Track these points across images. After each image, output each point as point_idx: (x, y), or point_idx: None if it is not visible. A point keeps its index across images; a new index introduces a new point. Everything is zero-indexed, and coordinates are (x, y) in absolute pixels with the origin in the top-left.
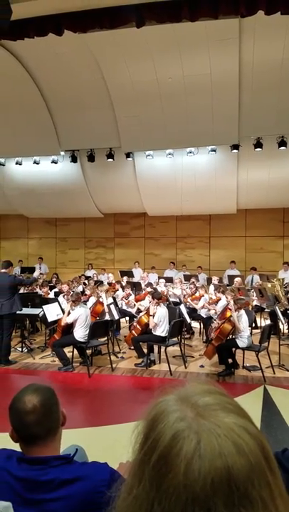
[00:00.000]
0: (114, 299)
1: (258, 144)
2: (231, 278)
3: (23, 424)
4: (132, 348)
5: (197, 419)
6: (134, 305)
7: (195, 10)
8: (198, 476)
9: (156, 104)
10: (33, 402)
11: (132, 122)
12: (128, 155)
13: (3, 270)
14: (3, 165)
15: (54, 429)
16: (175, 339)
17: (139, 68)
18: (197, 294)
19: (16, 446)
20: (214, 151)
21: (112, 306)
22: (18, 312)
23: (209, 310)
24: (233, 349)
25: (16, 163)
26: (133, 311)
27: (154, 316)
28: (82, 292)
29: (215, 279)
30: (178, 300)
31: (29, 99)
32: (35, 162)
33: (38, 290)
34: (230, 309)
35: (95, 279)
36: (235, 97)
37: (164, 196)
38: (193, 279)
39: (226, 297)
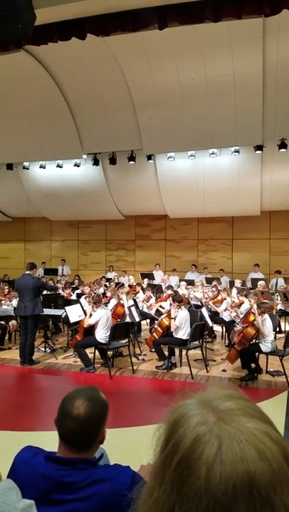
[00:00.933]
0: (134, 301)
1: (283, 145)
2: (255, 281)
3: (62, 424)
4: (153, 350)
5: (219, 423)
6: (154, 307)
7: (218, 10)
8: (220, 480)
9: (178, 106)
10: (80, 412)
11: (154, 124)
12: (149, 157)
13: (27, 272)
14: (28, 169)
15: (87, 444)
16: (196, 342)
17: (162, 70)
18: (219, 297)
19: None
20: (237, 152)
21: (133, 308)
22: (40, 313)
23: (232, 313)
24: (256, 354)
25: (40, 167)
26: (153, 312)
27: (175, 318)
28: (103, 294)
29: (238, 282)
30: (199, 303)
31: (53, 103)
32: (58, 166)
33: (60, 291)
34: (253, 313)
35: (116, 281)
36: (259, 97)
37: (185, 198)
38: (215, 282)
39: (249, 301)
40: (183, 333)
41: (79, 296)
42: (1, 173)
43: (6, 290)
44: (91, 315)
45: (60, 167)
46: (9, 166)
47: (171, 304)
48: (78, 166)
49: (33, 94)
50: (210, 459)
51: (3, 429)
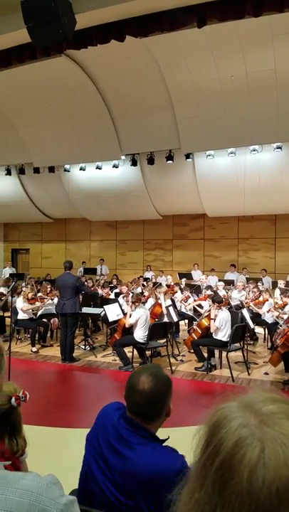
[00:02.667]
0: (172, 301)
1: None
2: None
3: (129, 397)
4: (192, 351)
5: (261, 426)
6: (193, 307)
7: (259, 5)
8: (263, 484)
9: (217, 103)
10: (145, 386)
11: (193, 122)
12: (188, 156)
13: (67, 271)
14: (68, 171)
15: (152, 417)
16: (237, 344)
17: (200, 68)
18: (261, 299)
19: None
20: (280, 148)
21: (171, 309)
22: (79, 312)
23: (274, 314)
24: None
25: (80, 169)
26: (191, 312)
27: (215, 319)
28: (141, 293)
29: (281, 283)
30: (240, 304)
31: (92, 106)
32: (97, 167)
33: (99, 290)
34: None
35: (154, 280)
36: None
37: (225, 196)
38: (258, 283)
39: None
40: (223, 334)
41: (117, 295)
42: (44, 176)
43: (49, 289)
44: (130, 315)
45: (100, 168)
46: (51, 169)
47: (210, 305)
48: (117, 167)
49: (73, 97)
50: (252, 462)
51: (46, 425)
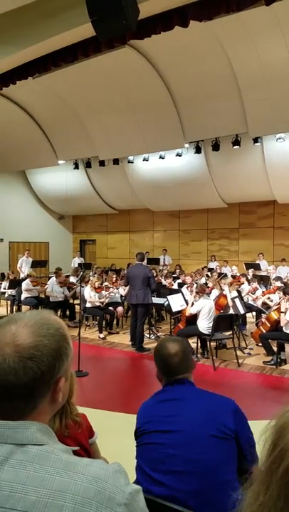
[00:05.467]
0: (239, 292)
1: None
2: None
3: (168, 364)
4: (260, 344)
5: None
6: (261, 299)
7: None
8: None
9: (288, 84)
10: (176, 348)
11: (261, 105)
12: (256, 140)
13: (138, 262)
14: (132, 162)
15: (190, 368)
16: None
17: (269, 47)
18: None
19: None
20: None
21: (237, 300)
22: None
23: None
24: None
25: (144, 160)
26: (259, 305)
27: (285, 312)
28: (205, 284)
29: None
30: None
31: (155, 95)
32: (160, 157)
33: (162, 281)
34: None
35: (218, 271)
36: None
37: None
38: None
39: None
40: None
41: (180, 285)
42: (109, 168)
43: (114, 278)
44: (193, 304)
45: (163, 158)
46: (115, 161)
47: (281, 297)
48: (180, 156)
49: (136, 88)
50: None
51: (113, 410)
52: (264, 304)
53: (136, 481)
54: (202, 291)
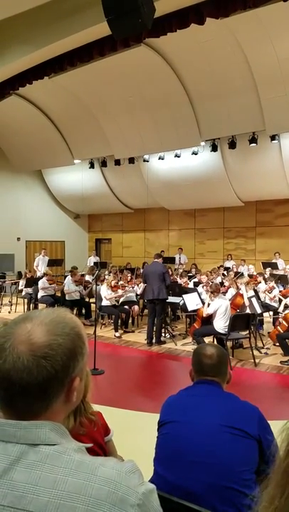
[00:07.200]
0: (255, 291)
1: None
2: None
3: (201, 363)
4: (277, 344)
5: None
6: (279, 299)
7: None
8: None
9: None
10: (212, 351)
11: (279, 102)
12: (273, 137)
13: (155, 260)
14: (148, 161)
15: (223, 375)
16: None
17: (286, 44)
18: None
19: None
20: None
21: (254, 299)
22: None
23: None
24: None
25: (159, 159)
26: (276, 304)
27: None
28: (221, 283)
29: None
30: None
31: (171, 93)
32: (176, 155)
33: (178, 280)
34: None
35: (235, 270)
36: None
37: None
38: None
39: None
40: None
41: (196, 284)
42: (124, 167)
43: (129, 277)
44: (209, 304)
45: (178, 157)
46: (131, 160)
47: None
48: (196, 154)
49: (152, 86)
50: None
51: (128, 408)
52: (283, 303)
53: (154, 471)
54: (217, 290)
